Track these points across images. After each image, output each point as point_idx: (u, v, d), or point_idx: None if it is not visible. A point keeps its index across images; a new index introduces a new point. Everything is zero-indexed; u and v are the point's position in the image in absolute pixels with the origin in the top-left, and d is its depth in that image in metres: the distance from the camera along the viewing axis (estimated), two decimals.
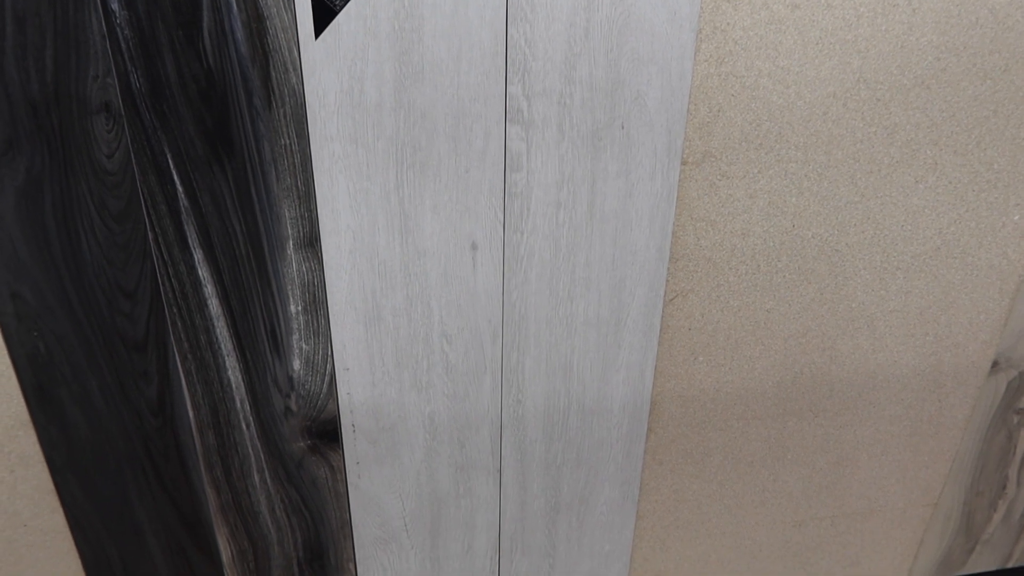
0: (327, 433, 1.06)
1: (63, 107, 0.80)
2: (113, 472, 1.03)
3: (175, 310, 0.93)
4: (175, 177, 0.85)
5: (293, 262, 0.93)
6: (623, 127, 0.92)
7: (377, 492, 1.12)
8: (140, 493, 1.05)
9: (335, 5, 0.80)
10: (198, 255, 0.90)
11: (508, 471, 1.15)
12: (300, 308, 0.96)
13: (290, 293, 0.95)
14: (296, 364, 1.00)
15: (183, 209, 0.87)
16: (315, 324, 0.98)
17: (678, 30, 0.87)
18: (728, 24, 0.88)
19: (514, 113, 0.89)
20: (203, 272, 0.91)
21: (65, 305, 0.90)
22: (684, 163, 0.96)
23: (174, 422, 1.01)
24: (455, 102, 0.87)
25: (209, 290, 0.93)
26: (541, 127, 0.90)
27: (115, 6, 0.76)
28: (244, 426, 1.03)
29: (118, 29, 0.77)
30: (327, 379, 1.02)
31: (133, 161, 0.84)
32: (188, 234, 0.89)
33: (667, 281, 1.04)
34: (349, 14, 0.80)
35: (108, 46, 0.78)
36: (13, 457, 0.99)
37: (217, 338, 0.96)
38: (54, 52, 0.77)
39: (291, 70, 0.82)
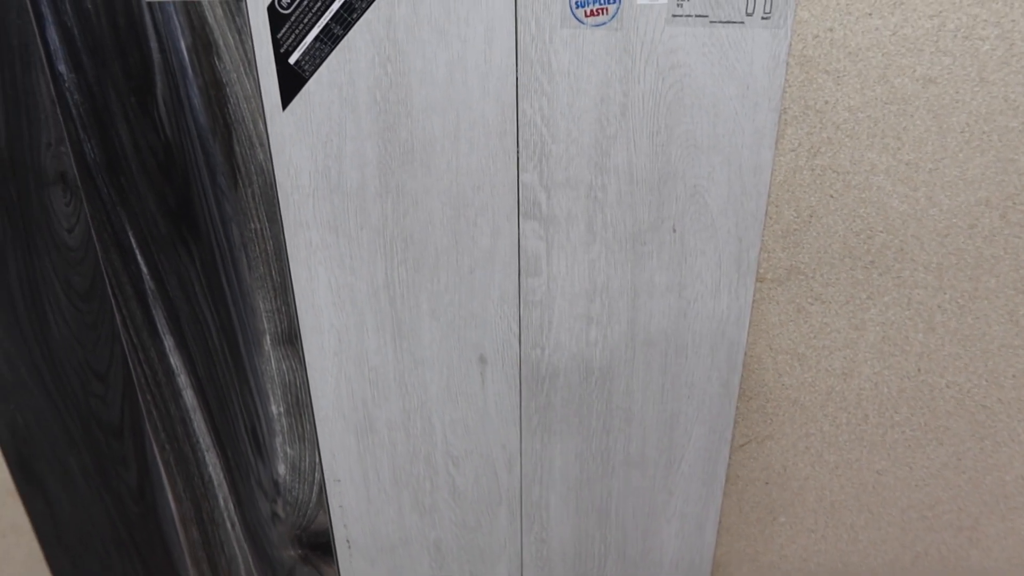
0: (320, 545, 0.92)
1: (19, 177, 0.71)
2: (101, 553, 0.95)
3: (149, 397, 0.83)
4: (139, 257, 0.75)
5: (272, 359, 0.80)
6: (675, 230, 0.70)
7: None
8: None
9: (304, 72, 0.65)
10: (168, 342, 0.79)
11: None
12: (282, 409, 0.83)
13: (270, 392, 0.82)
14: (281, 468, 0.87)
15: (149, 291, 0.77)
16: (299, 428, 0.84)
17: (752, 109, 0.65)
18: (826, 103, 0.64)
19: (529, 206, 0.70)
20: (175, 360, 0.80)
21: (38, 382, 0.82)
22: (761, 280, 0.72)
23: (156, 512, 0.91)
24: (454, 189, 0.70)
25: (183, 380, 0.82)
26: (565, 225, 0.71)
27: (62, 68, 0.66)
28: (229, 526, 0.91)
29: (67, 94, 0.68)
30: (316, 488, 0.88)
31: (94, 237, 0.74)
32: (156, 318, 0.78)
33: (736, 422, 0.80)
34: (321, 82, 0.66)
35: (59, 112, 0.68)
36: (4, 523, 0.94)
37: (195, 431, 0.85)
38: (5, 115, 0.69)
39: (257, 145, 0.69)
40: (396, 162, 0.69)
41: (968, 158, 0.66)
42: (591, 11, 0.61)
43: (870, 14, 0.61)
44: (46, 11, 0.64)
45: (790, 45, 0.62)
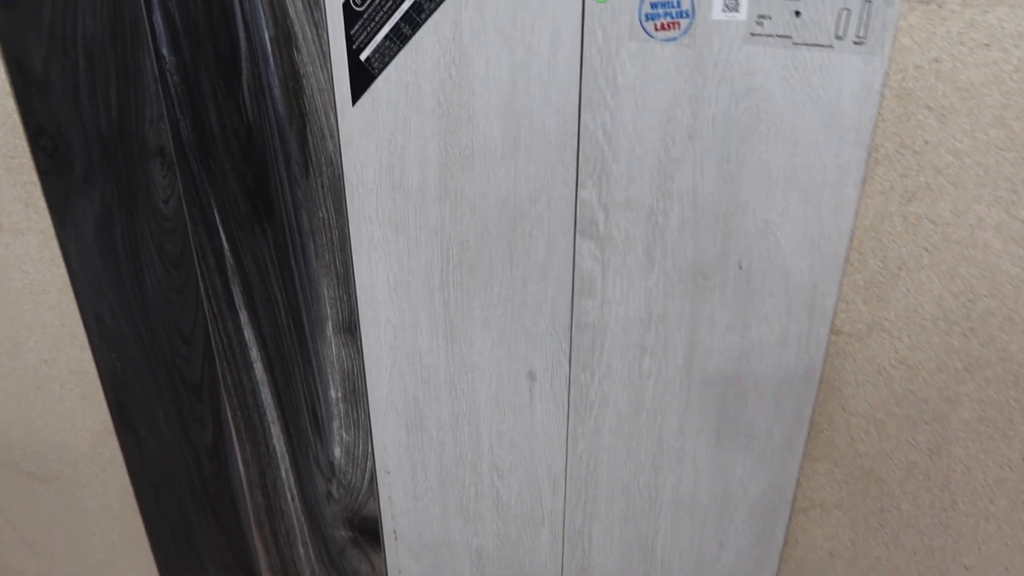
0: (368, 531, 0.94)
1: (126, 146, 0.77)
2: (178, 498, 1.02)
3: (225, 364, 0.88)
4: (221, 232, 0.79)
5: (333, 345, 0.82)
6: (741, 267, 0.64)
7: None
8: (201, 528, 1.03)
9: (373, 69, 0.66)
10: (243, 315, 0.83)
11: None
12: (340, 395, 0.85)
13: (330, 377, 0.84)
14: (337, 451, 0.89)
15: (229, 266, 0.81)
16: (355, 415, 0.86)
17: (836, 143, 0.58)
18: (927, 143, 0.56)
19: (586, 224, 0.67)
20: (248, 333, 0.84)
21: (135, 335, 0.89)
22: (837, 332, 0.65)
23: (227, 471, 0.96)
24: (511, 199, 0.68)
25: (254, 353, 0.86)
26: (622, 248, 0.67)
27: (165, 51, 0.71)
28: (289, 497, 0.95)
29: (168, 75, 0.72)
30: (367, 476, 0.89)
31: (185, 210, 0.79)
32: (234, 292, 0.82)
33: (799, 483, 0.73)
34: (389, 80, 0.66)
35: (160, 90, 0.73)
36: (105, 457, 1.04)
37: (263, 403, 0.89)
38: (117, 90, 0.75)
39: (328, 137, 0.71)
40: (456, 166, 0.68)
41: None
42: (662, 24, 0.57)
43: (988, 45, 0.52)
44: None
45: (886, 75, 0.55)
